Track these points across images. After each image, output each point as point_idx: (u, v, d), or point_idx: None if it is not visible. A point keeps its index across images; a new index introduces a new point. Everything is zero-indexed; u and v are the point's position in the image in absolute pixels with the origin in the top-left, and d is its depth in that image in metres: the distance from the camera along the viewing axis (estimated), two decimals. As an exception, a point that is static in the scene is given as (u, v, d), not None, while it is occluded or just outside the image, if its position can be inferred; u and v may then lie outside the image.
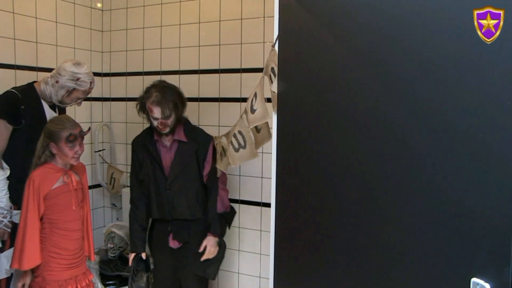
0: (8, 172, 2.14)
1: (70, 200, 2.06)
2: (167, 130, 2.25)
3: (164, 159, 2.33)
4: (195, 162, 2.31)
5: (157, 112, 2.20)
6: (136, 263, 2.39)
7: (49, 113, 2.30)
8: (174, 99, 2.23)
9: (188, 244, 2.35)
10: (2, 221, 2.09)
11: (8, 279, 2.13)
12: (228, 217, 2.43)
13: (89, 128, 2.26)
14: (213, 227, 2.32)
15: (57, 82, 2.22)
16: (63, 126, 1.99)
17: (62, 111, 2.47)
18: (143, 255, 2.40)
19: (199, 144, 2.30)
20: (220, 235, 2.34)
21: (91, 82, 2.28)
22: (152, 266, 2.48)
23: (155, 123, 2.23)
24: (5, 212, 2.10)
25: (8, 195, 2.13)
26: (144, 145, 2.36)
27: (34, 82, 2.33)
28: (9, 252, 2.06)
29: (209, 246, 2.28)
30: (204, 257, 2.28)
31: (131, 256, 2.40)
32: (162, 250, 2.41)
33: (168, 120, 2.22)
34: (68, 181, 2.05)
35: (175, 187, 2.30)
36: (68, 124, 2.02)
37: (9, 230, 2.11)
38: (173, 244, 2.36)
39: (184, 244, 2.35)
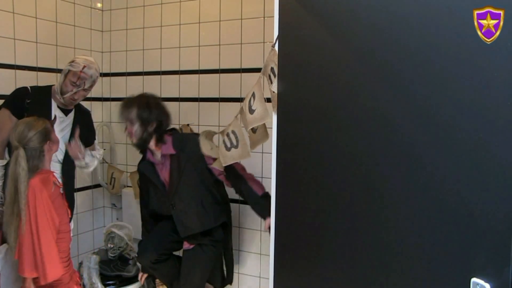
0: (5, 162, 2.13)
1: (63, 201, 2.04)
2: (135, 140, 2.26)
3: (162, 177, 2.34)
4: (193, 171, 2.28)
5: (121, 113, 2.27)
6: (147, 284, 2.42)
7: (56, 113, 2.30)
8: (140, 106, 2.22)
9: (200, 248, 2.31)
10: None
11: None
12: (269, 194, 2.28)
13: (55, 116, 2.25)
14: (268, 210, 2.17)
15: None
16: (41, 121, 1.98)
17: (80, 118, 2.43)
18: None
19: (189, 153, 2.27)
20: None
21: (84, 66, 2.25)
22: None
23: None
24: None
25: (0, 183, 2.11)
26: (144, 173, 2.39)
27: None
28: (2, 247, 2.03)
29: None
30: None
31: (144, 276, 2.42)
32: (169, 244, 2.40)
33: (132, 128, 2.23)
34: (57, 182, 2.03)
35: (179, 202, 2.29)
36: (38, 119, 2.01)
37: None
38: (186, 245, 2.35)
39: (197, 246, 2.32)
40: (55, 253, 1.88)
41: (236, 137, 1.76)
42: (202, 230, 2.28)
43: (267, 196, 2.20)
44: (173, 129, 2.42)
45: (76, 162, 2.34)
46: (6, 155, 2.18)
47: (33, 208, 1.85)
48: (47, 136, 1.96)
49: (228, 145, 1.79)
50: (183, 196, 2.28)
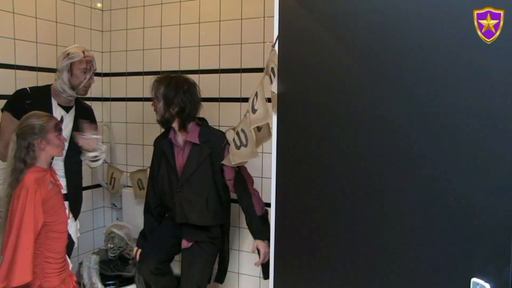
0: None
1: (61, 201, 1.99)
2: (158, 117, 2.30)
3: (177, 160, 2.34)
4: (209, 167, 2.27)
5: (152, 88, 2.30)
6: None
7: (57, 111, 2.29)
8: (168, 87, 2.24)
9: (197, 244, 2.31)
10: None
11: None
12: (267, 217, 2.27)
13: (62, 119, 2.22)
14: (259, 232, 2.18)
15: (59, 71, 2.27)
16: (46, 117, 1.95)
17: (83, 113, 2.42)
18: None
19: (212, 148, 2.27)
20: (269, 238, 2.23)
21: (83, 52, 2.28)
22: None
23: None
24: None
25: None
26: (161, 147, 2.38)
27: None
28: None
29: (263, 249, 2.16)
30: (260, 262, 2.17)
31: (138, 251, 2.42)
32: (170, 244, 2.40)
33: (157, 104, 2.27)
34: (57, 182, 1.99)
35: (186, 190, 2.28)
36: (46, 114, 1.98)
37: None
38: (184, 243, 2.34)
39: (195, 243, 2.31)
40: (30, 257, 1.79)
41: (246, 136, 1.77)
42: (198, 224, 2.28)
43: (264, 217, 2.23)
44: (203, 119, 2.41)
45: (89, 154, 2.31)
46: None
47: (22, 207, 1.79)
48: (40, 132, 1.90)
49: (238, 143, 1.80)
50: (192, 186, 2.28)
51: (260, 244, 2.17)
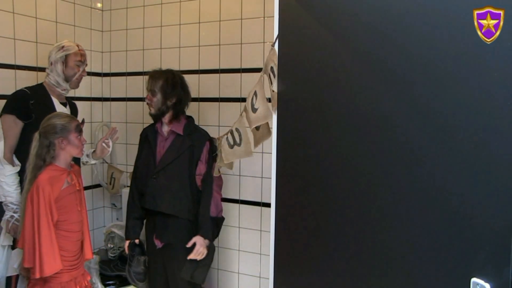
0: (18, 168, 2.15)
1: (75, 201, 2.05)
2: (153, 111, 2.36)
3: (158, 149, 2.39)
4: (187, 160, 2.32)
5: (148, 83, 2.37)
6: (131, 250, 2.41)
7: (60, 108, 2.32)
8: (166, 81, 2.33)
9: (171, 246, 2.33)
10: (13, 216, 2.10)
11: (18, 276, 2.14)
12: (219, 223, 2.39)
13: (83, 120, 2.25)
14: (204, 229, 2.28)
15: (51, 64, 2.32)
16: (68, 118, 2.01)
17: (73, 109, 2.49)
18: (137, 241, 2.42)
19: (193, 141, 2.34)
20: (211, 239, 2.31)
21: (77, 45, 2.37)
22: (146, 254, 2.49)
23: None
24: (16, 207, 2.11)
25: (19, 190, 2.13)
26: (146, 135, 2.46)
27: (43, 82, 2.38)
28: (19, 250, 2.04)
29: (199, 245, 2.23)
30: (191, 256, 2.22)
31: (126, 243, 2.44)
32: (151, 247, 2.42)
33: (153, 97, 2.34)
34: (73, 182, 2.04)
35: (162, 178, 2.32)
36: (68, 115, 2.04)
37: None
38: (156, 242, 2.36)
39: (168, 245, 2.33)
40: (56, 248, 1.89)
41: (240, 135, 1.77)
42: (164, 212, 2.31)
43: (216, 221, 2.35)
44: (190, 117, 2.49)
45: (94, 161, 2.50)
46: (16, 161, 2.18)
47: (36, 204, 1.87)
48: (62, 132, 1.96)
49: (231, 142, 1.80)
50: (167, 175, 2.32)
51: (199, 240, 2.25)
